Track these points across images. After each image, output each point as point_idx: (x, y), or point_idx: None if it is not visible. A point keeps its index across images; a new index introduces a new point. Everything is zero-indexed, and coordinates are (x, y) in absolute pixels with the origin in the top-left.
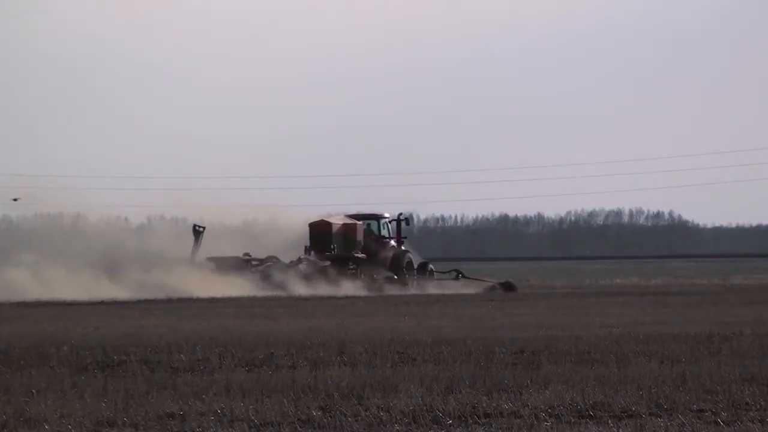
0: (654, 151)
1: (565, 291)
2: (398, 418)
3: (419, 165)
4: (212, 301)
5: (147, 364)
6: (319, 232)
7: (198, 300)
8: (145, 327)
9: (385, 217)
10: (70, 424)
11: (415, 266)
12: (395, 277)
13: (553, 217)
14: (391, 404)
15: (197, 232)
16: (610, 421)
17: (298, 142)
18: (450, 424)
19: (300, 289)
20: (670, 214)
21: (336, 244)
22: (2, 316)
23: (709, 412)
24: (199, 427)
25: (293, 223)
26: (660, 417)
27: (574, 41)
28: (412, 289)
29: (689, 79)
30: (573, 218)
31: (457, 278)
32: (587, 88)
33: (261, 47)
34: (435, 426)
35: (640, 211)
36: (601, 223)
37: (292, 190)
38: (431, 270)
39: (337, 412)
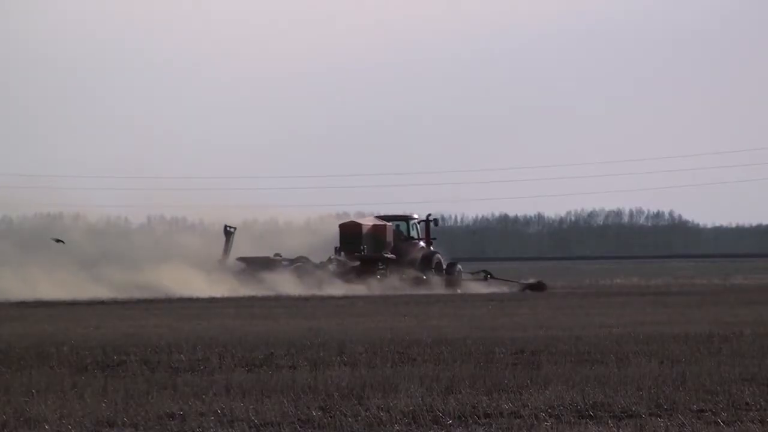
0: (654, 151)
1: (565, 291)
2: (398, 418)
3: (419, 165)
4: (212, 301)
5: (147, 364)
6: (350, 233)
7: (198, 300)
8: (145, 327)
9: (414, 218)
10: (70, 424)
11: (444, 267)
12: (424, 277)
13: (553, 217)
14: (391, 404)
15: (228, 232)
16: (610, 421)
17: (298, 142)
18: (450, 424)
19: (330, 289)
20: (670, 214)
21: (366, 245)
22: (2, 316)
23: (709, 412)
24: (199, 427)
25: (293, 224)
26: (660, 417)
27: (574, 41)
28: (444, 289)
29: (689, 79)
30: (573, 218)
31: (485, 279)
32: (587, 88)
33: (261, 47)
34: (435, 426)
35: (640, 211)
36: (601, 223)
37: (292, 190)
38: (459, 270)
39: (337, 412)
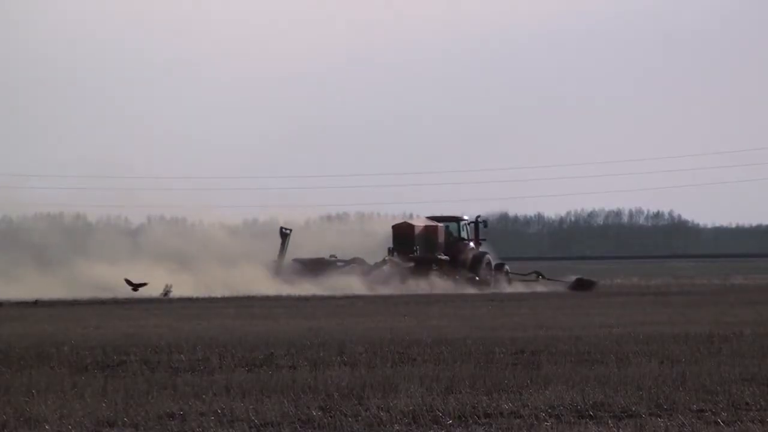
0: (654, 151)
1: (566, 291)
2: (398, 418)
3: (419, 165)
4: (212, 301)
5: (147, 364)
6: (402, 234)
7: (198, 300)
8: (145, 327)
9: (464, 219)
10: (70, 424)
11: (492, 267)
12: (477, 278)
13: (553, 217)
14: (391, 404)
15: (284, 234)
16: (610, 421)
17: (299, 142)
18: (450, 424)
19: (385, 289)
20: (670, 214)
21: (418, 246)
22: (2, 316)
23: (709, 412)
24: (199, 427)
25: (293, 224)
26: (660, 417)
27: (574, 41)
28: (496, 288)
29: (689, 79)
30: (573, 218)
31: (537, 279)
32: (587, 88)
33: (261, 47)
34: (435, 426)
35: (640, 211)
36: (601, 223)
37: (291, 190)
38: (507, 271)
39: (337, 412)
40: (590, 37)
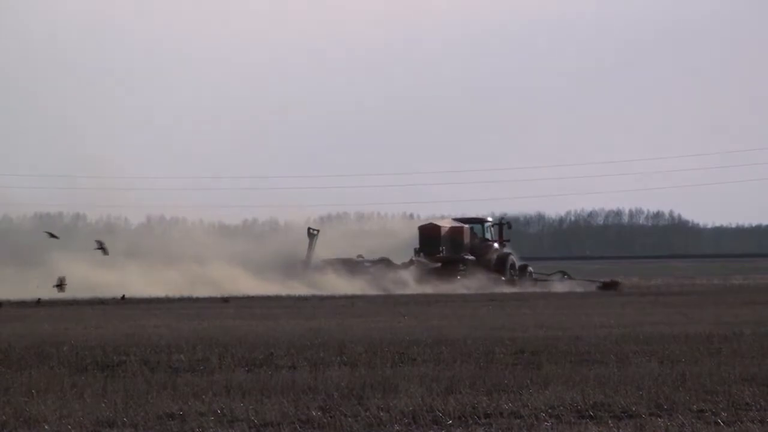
0: (654, 151)
1: (565, 291)
2: (398, 418)
3: (419, 165)
4: (212, 301)
5: (147, 364)
6: (429, 235)
7: (198, 300)
8: (145, 327)
9: (489, 221)
10: (70, 424)
11: (516, 268)
12: (503, 278)
13: (553, 217)
14: (391, 404)
15: (312, 234)
16: (610, 421)
17: (298, 142)
18: (450, 424)
19: (412, 289)
20: (670, 214)
21: (444, 247)
22: (2, 316)
23: (709, 412)
24: (199, 427)
25: (294, 223)
26: (660, 417)
27: (575, 41)
28: (520, 288)
29: (689, 79)
30: (573, 218)
31: (562, 279)
32: (587, 88)
33: (261, 47)
34: (435, 426)
35: (640, 211)
36: (601, 223)
37: (291, 190)
38: (531, 271)
39: (337, 412)
40: (590, 37)
